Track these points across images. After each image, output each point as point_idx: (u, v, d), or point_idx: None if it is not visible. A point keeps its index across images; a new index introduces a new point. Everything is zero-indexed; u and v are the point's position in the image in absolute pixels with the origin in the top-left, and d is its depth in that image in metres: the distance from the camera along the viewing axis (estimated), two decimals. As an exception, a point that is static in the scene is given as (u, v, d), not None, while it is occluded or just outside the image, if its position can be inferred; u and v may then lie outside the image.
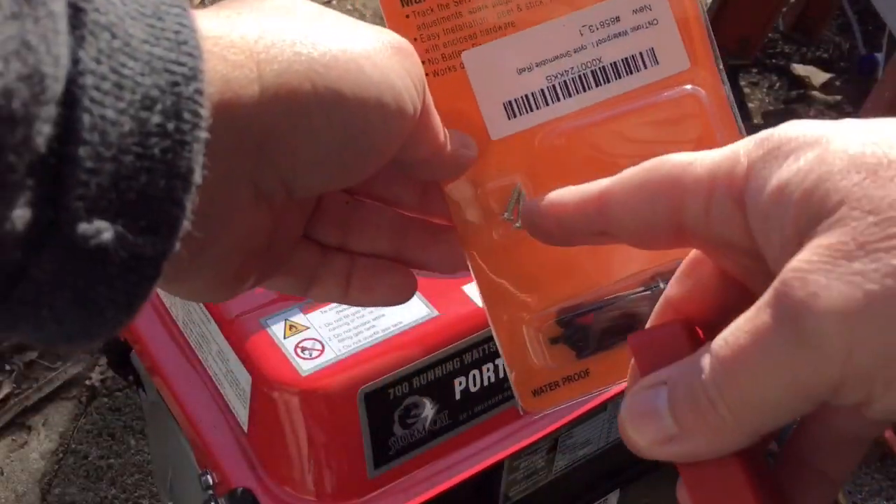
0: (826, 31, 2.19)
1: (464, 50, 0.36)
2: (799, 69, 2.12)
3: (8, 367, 1.46)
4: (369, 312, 0.68)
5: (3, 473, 1.34)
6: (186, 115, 0.24)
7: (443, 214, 0.37)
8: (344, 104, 0.29)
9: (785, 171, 0.25)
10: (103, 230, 0.23)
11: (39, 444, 1.38)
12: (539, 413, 0.37)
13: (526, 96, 0.37)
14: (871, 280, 0.22)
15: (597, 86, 0.37)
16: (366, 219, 0.37)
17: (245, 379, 0.68)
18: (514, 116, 0.37)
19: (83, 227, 0.22)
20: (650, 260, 0.37)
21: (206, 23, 0.27)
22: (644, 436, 0.27)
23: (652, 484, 0.96)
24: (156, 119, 0.23)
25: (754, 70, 2.14)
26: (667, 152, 0.37)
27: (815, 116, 2.01)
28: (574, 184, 0.36)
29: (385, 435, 0.67)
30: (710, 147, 0.37)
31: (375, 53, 0.30)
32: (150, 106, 0.23)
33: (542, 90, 0.37)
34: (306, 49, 0.29)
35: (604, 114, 0.37)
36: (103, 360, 1.46)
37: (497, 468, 0.74)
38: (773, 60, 2.16)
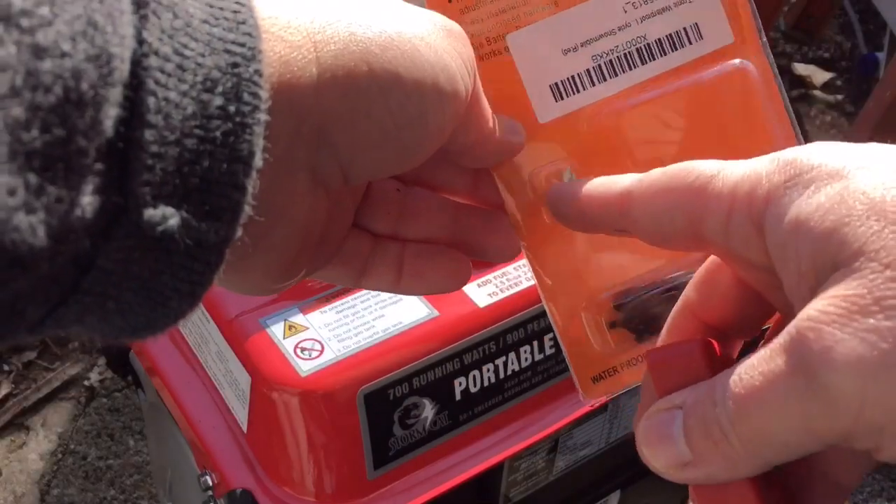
0: (827, 30, 2.19)
1: (508, 33, 0.36)
2: (800, 68, 2.12)
3: (6, 368, 1.46)
4: (369, 313, 0.68)
5: (1, 474, 1.34)
6: (247, 97, 0.23)
7: (495, 201, 0.37)
8: (401, 86, 0.29)
9: (804, 206, 0.25)
10: (169, 216, 0.22)
11: (38, 445, 1.38)
12: (598, 399, 0.37)
13: (572, 77, 0.37)
14: (885, 339, 0.22)
15: (642, 63, 0.37)
16: (418, 206, 0.36)
17: (244, 379, 0.67)
18: (562, 98, 0.37)
19: (150, 214, 0.22)
20: None
21: (262, 3, 0.27)
22: (659, 459, 0.27)
23: (652, 484, 0.96)
24: (217, 101, 0.23)
25: (755, 70, 2.14)
26: (716, 130, 0.36)
27: (816, 116, 2.01)
28: (624, 166, 0.36)
29: (385, 435, 0.67)
30: (757, 124, 0.37)
31: (429, 35, 0.30)
32: (211, 88, 0.23)
33: (589, 70, 0.37)
34: (362, 30, 0.28)
35: (652, 92, 0.37)
36: (102, 361, 1.46)
37: (497, 469, 0.74)
38: (774, 60, 2.16)
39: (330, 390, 0.64)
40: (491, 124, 0.34)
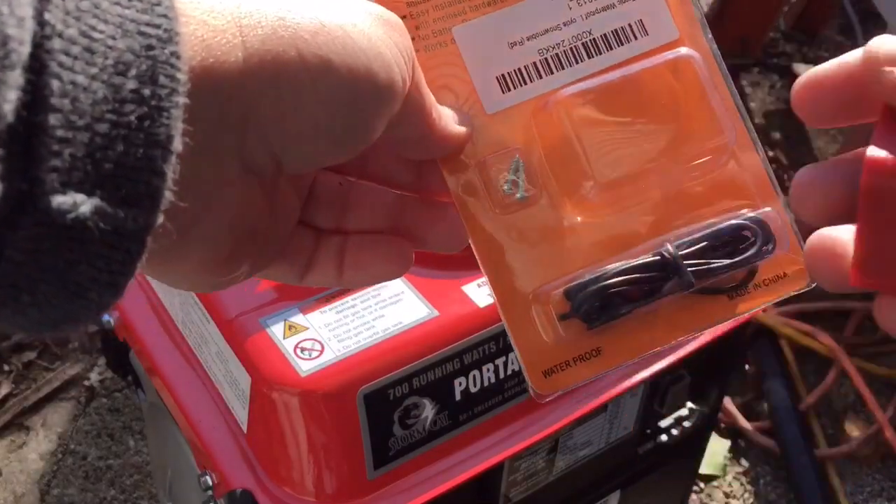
0: (827, 30, 2.19)
1: (454, 25, 0.36)
2: (800, 69, 2.12)
3: (6, 368, 1.46)
4: (369, 313, 0.68)
5: (1, 474, 1.34)
6: (163, 80, 0.23)
7: (442, 192, 0.36)
8: (332, 72, 0.28)
9: None
10: (80, 203, 0.21)
11: (38, 445, 1.38)
12: (550, 395, 0.36)
13: (519, 70, 0.37)
14: None
15: (589, 58, 0.37)
16: (361, 199, 0.36)
17: (244, 379, 0.67)
18: (509, 90, 0.37)
19: (58, 200, 0.21)
20: (655, 229, 0.37)
21: None
22: None
23: (652, 484, 0.96)
24: (130, 84, 0.22)
25: (755, 70, 2.14)
26: (663, 117, 0.37)
27: (816, 116, 2.01)
28: (574, 155, 0.36)
29: (385, 435, 0.67)
30: (704, 111, 0.37)
31: (362, 22, 0.30)
32: (123, 71, 0.22)
33: (535, 63, 0.37)
34: (291, 15, 0.28)
35: (598, 80, 0.37)
36: (102, 361, 1.46)
37: (497, 469, 0.74)
38: (775, 60, 2.16)
39: (330, 390, 0.64)
40: (434, 116, 0.33)
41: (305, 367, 0.64)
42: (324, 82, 0.28)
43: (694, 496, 1.34)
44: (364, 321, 0.67)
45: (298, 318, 0.67)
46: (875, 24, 2.12)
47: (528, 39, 0.37)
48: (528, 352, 0.36)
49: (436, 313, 0.68)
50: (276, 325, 0.67)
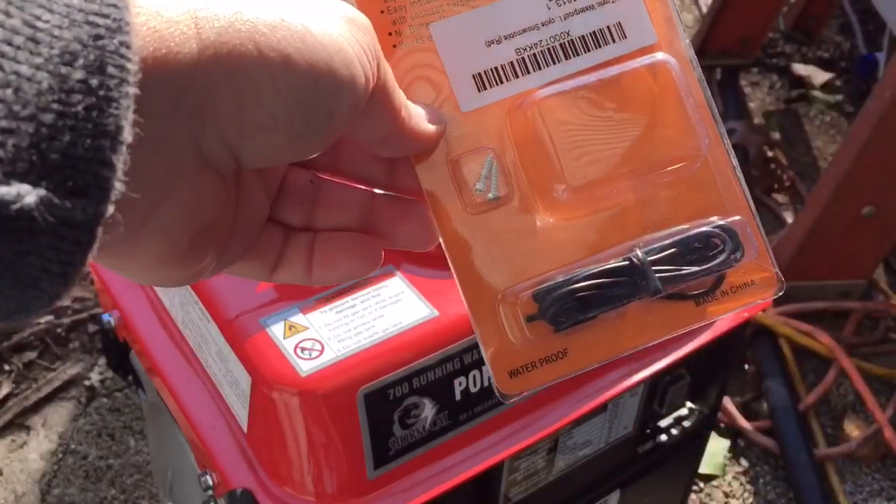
0: (826, 30, 2.19)
1: (432, 22, 0.36)
2: (799, 69, 2.12)
3: (7, 368, 1.46)
4: (369, 313, 0.68)
5: (2, 474, 1.34)
6: (112, 70, 0.23)
7: (414, 190, 0.36)
8: (291, 67, 0.28)
9: None
10: (25, 194, 0.21)
11: (39, 445, 1.38)
12: (516, 396, 0.36)
13: (496, 69, 0.37)
14: None
15: (566, 59, 0.37)
16: (331, 197, 0.36)
17: (244, 379, 0.67)
18: (485, 88, 0.37)
19: (2, 191, 0.21)
20: (625, 234, 0.37)
21: None
22: None
23: (652, 484, 0.96)
24: (78, 74, 0.22)
25: (755, 70, 2.14)
26: (637, 122, 0.37)
27: (816, 116, 2.01)
28: (547, 155, 0.36)
29: (385, 435, 0.67)
30: (679, 115, 0.37)
31: (324, 19, 0.29)
32: (70, 61, 0.22)
33: (512, 63, 0.37)
34: (250, 9, 0.28)
35: (575, 82, 0.37)
36: (102, 361, 1.46)
37: (497, 468, 0.74)
38: (774, 60, 2.16)
39: (330, 390, 0.64)
40: (403, 114, 0.33)
41: (305, 366, 0.64)
42: (282, 77, 0.28)
43: (694, 496, 1.34)
44: (364, 321, 0.68)
45: (298, 318, 0.68)
46: (875, 25, 2.12)
47: (505, 38, 0.37)
48: (495, 352, 0.36)
49: (436, 313, 0.68)
50: (277, 325, 0.67)
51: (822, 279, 1.51)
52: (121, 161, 0.23)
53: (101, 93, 0.22)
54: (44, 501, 1.31)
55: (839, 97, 2.06)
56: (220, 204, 0.30)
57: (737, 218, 0.38)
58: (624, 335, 0.37)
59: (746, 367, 1.47)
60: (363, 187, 0.36)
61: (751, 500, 1.34)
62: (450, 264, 0.36)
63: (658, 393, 0.84)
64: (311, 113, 0.29)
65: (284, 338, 0.66)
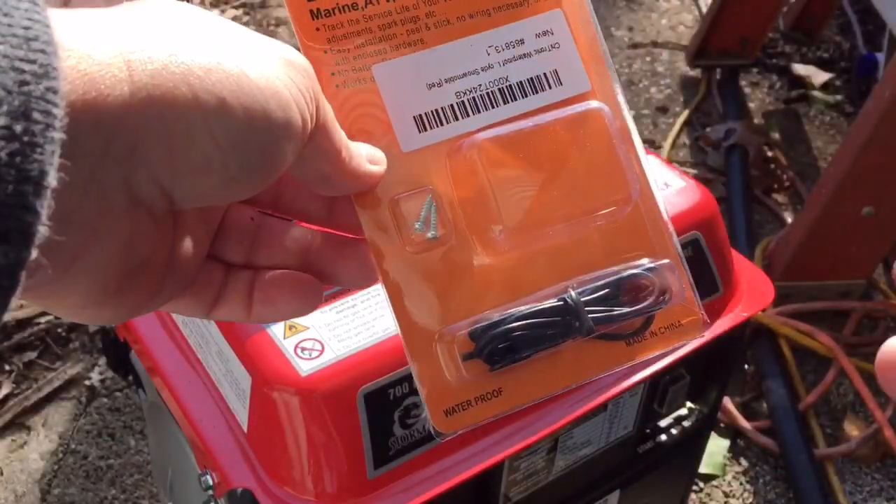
0: (826, 30, 2.19)
1: (375, 64, 0.37)
2: (799, 69, 2.12)
3: (7, 368, 1.46)
4: (369, 312, 0.68)
5: (2, 474, 1.34)
6: (37, 116, 0.23)
7: (354, 228, 0.36)
8: (226, 111, 0.28)
9: None
10: None
11: (39, 445, 1.38)
12: (451, 435, 0.36)
13: (436, 111, 0.38)
14: None
15: (505, 103, 0.39)
16: (271, 234, 0.36)
17: (245, 379, 0.67)
18: (426, 130, 0.37)
19: None
20: (560, 275, 0.38)
21: (72, 19, 0.26)
22: None
23: (652, 484, 0.96)
24: (1, 121, 0.22)
25: (755, 70, 2.14)
26: (572, 167, 0.38)
27: (815, 116, 2.01)
28: (485, 197, 0.37)
29: (385, 435, 0.67)
30: (612, 162, 0.39)
31: (261, 61, 0.29)
32: None
33: (452, 105, 0.38)
34: (184, 51, 0.27)
35: (512, 127, 0.38)
36: (103, 361, 1.46)
37: (497, 468, 0.74)
38: (774, 60, 2.16)
39: (330, 390, 0.64)
40: (344, 154, 0.33)
41: (306, 366, 0.65)
42: (216, 120, 0.28)
43: (693, 496, 1.34)
44: (364, 321, 0.68)
45: (299, 318, 0.68)
46: (874, 25, 2.12)
47: (446, 81, 0.38)
48: (431, 390, 0.36)
49: (436, 313, 0.68)
50: (277, 325, 0.67)
51: (822, 279, 1.51)
52: (44, 206, 0.23)
53: (26, 139, 0.22)
54: (44, 501, 1.31)
55: (839, 97, 2.06)
56: (152, 243, 0.30)
57: (665, 261, 0.39)
58: (557, 374, 0.38)
59: (746, 367, 1.47)
60: (304, 226, 0.36)
61: (751, 499, 1.34)
62: (387, 303, 0.36)
63: (658, 393, 0.84)
64: (246, 156, 0.29)
65: (285, 338, 0.66)
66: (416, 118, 0.37)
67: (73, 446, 1.37)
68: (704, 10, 2.24)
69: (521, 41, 0.39)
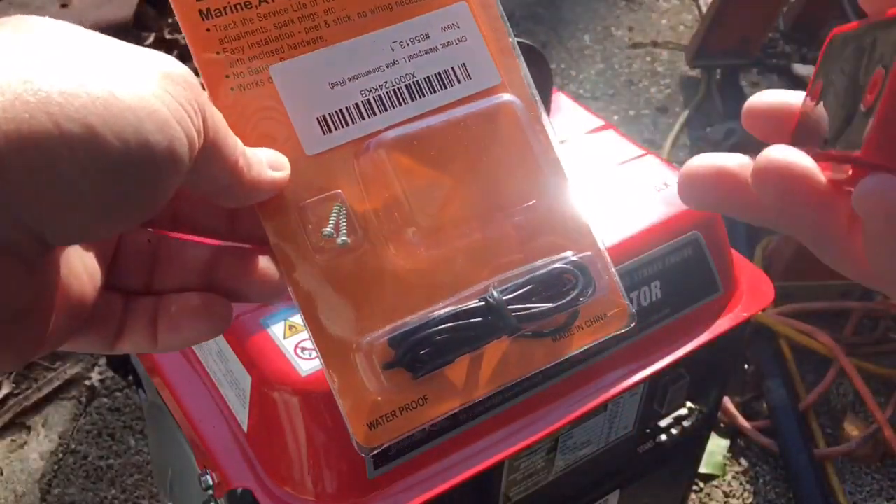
0: (826, 30, 2.19)
1: (272, 64, 0.36)
2: (799, 69, 2.12)
3: (7, 367, 1.46)
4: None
5: (2, 474, 1.34)
6: None
7: (259, 239, 0.34)
8: (95, 139, 0.25)
9: None
10: None
11: (39, 445, 1.38)
12: (375, 449, 0.34)
13: (341, 111, 0.36)
14: None
15: (412, 100, 0.37)
16: (171, 256, 0.34)
17: (245, 379, 0.67)
18: (330, 131, 0.36)
19: None
20: (480, 274, 0.37)
21: None
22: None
23: (652, 484, 0.96)
24: None
25: (755, 70, 2.14)
26: (484, 162, 0.37)
27: (816, 116, 2.01)
28: (395, 198, 0.36)
29: (385, 435, 0.67)
30: (526, 155, 0.38)
31: (135, 78, 0.27)
32: None
33: (357, 104, 0.37)
34: (43, 76, 0.25)
35: (421, 124, 0.37)
36: (103, 361, 1.46)
37: (497, 469, 0.74)
38: (774, 60, 2.16)
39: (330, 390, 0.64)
40: (241, 163, 0.31)
41: (306, 366, 0.65)
42: (86, 151, 0.25)
43: (693, 496, 1.34)
44: (364, 321, 0.68)
45: (299, 318, 0.68)
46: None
47: (349, 80, 0.37)
48: (352, 404, 0.35)
49: (436, 313, 0.68)
50: (277, 325, 0.67)
51: (822, 279, 1.51)
52: None
53: None
54: (44, 501, 1.31)
55: (839, 97, 2.06)
56: (27, 288, 0.27)
57: (587, 254, 0.38)
58: (483, 377, 0.37)
59: (746, 367, 1.47)
60: (207, 242, 0.35)
61: (751, 499, 1.34)
62: (300, 315, 0.35)
63: (658, 393, 0.84)
64: (124, 185, 0.26)
65: (285, 338, 0.66)
66: (319, 119, 0.36)
67: (73, 446, 1.37)
68: (704, 9, 2.24)
69: (427, 35, 0.38)
